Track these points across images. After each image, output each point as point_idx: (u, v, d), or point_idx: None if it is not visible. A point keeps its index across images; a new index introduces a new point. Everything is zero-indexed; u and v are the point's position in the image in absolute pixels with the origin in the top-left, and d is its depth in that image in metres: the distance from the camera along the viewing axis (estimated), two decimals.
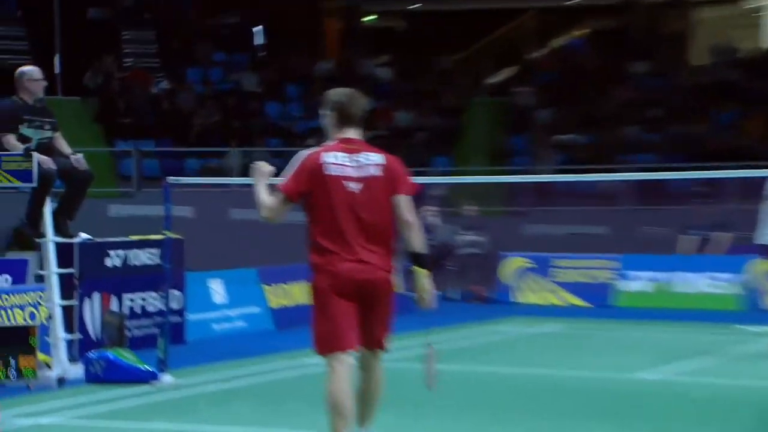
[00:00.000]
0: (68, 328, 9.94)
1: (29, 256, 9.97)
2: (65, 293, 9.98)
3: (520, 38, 28.62)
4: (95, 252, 10.96)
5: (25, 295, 9.41)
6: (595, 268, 16.47)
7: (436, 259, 16.24)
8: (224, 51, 27.22)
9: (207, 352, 11.14)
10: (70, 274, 10.28)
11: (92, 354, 9.49)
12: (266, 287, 13.59)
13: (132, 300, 11.38)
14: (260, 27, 28.78)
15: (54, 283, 9.71)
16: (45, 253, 9.71)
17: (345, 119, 6.08)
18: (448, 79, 26.33)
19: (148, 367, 9.27)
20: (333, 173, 5.93)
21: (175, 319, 11.03)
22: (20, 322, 9.13)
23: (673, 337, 12.99)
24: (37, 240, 9.74)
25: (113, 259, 11.23)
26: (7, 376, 8.46)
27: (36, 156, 9.36)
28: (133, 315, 11.25)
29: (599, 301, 16.10)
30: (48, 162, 9.54)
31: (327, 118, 6.14)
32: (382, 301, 5.99)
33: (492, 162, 22.66)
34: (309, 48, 27.76)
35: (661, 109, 23.46)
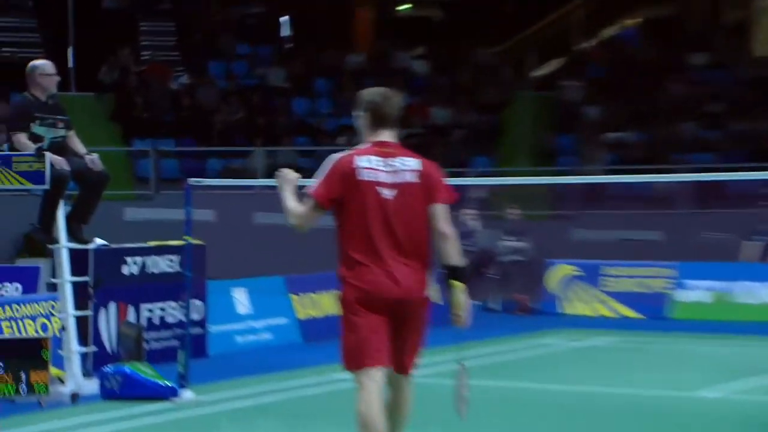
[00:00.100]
0: (82, 340, 10.00)
1: (41, 263, 10.07)
2: (79, 303, 10.01)
3: (568, 28, 28.55)
4: (111, 259, 11.06)
5: (36, 305, 9.50)
6: (649, 277, 16.41)
7: (475, 267, 16.25)
8: (248, 43, 27.33)
9: (230, 367, 11.21)
10: (85, 283, 10.36)
11: (108, 368, 9.56)
12: (293, 297, 13.65)
13: (150, 310, 11.47)
14: (287, 17, 28.90)
15: (67, 292, 9.77)
16: (58, 259, 9.77)
17: (379, 120, 6.10)
18: (488, 73, 26.31)
19: (167, 383, 9.33)
20: (366, 178, 5.94)
21: (196, 330, 11.11)
22: (31, 333, 9.22)
23: (735, 351, 12.93)
24: (50, 246, 9.80)
25: (130, 267, 11.33)
26: (17, 392, 8.53)
27: (48, 156, 9.42)
28: (151, 326, 11.34)
29: (654, 313, 16.03)
30: (61, 162, 9.59)
31: (360, 119, 6.16)
32: (412, 324, 5.99)
33: (536, 162, 22.64)
34: (339, 40, 27.83)
35: (720, 105, 23.34)
